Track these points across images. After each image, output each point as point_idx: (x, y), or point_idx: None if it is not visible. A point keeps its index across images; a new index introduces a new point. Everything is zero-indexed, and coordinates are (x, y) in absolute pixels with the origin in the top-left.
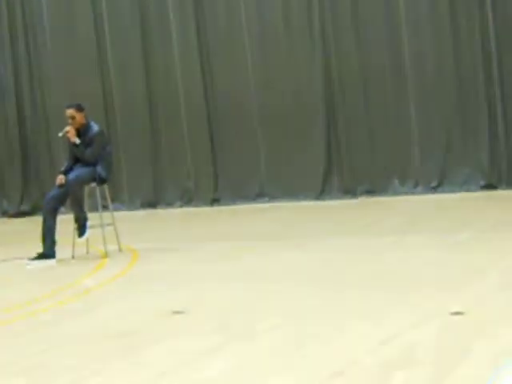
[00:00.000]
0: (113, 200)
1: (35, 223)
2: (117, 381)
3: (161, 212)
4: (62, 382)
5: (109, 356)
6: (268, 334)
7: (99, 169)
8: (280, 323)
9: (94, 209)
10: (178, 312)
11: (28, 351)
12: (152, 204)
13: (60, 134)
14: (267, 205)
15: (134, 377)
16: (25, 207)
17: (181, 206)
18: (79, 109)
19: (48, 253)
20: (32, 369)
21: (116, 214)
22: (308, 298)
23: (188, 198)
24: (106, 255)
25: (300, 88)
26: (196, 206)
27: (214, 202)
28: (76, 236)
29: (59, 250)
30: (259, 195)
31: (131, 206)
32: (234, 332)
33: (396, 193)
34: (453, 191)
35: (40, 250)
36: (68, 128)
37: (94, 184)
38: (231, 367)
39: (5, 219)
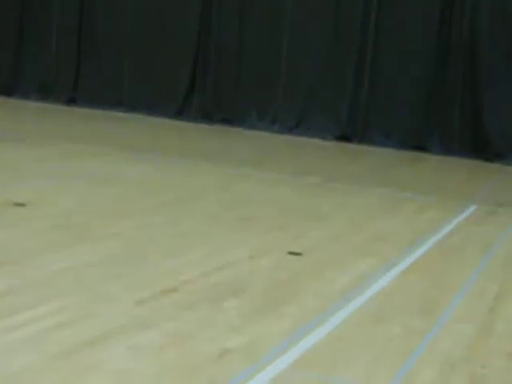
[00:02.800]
0: None
1: None
2: None
3: (16, 102)
4: None
5: None
6: (107, 240)
7: None
8: (120, 232)
9: None
10: (19, 204)
11: None
12: (7, 92)
13: None
14: (124, 114)
15: None
16: None
17: (36, 100)
18: None
19: None
20: None
21: None
22: (152, 212)
23: (45, 93)
24: None
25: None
26: (52, 102)
27: (71, 101)
28: None
29: None
30: (118, 104)
31: None
32: (76, 232)
33: (253, 127)
34: (308, 136)
35: None
36: None
37: None
38: (69, 267)
39: None
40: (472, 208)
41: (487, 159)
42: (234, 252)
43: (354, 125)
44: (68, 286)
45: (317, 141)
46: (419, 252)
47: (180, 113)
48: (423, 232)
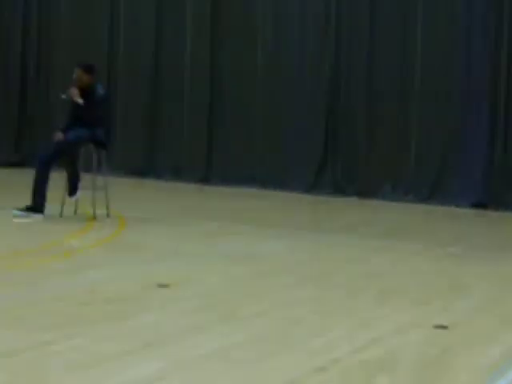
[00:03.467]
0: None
1: (25, 175)
2: (101, 345)
3: (149, 182)
4: (39, 338)
5: (93, 320)
6: (254, 319)
7: (99, 132)
8: (266, 310)
9: (88, 170)
10: (163, 285)
11: (10, 304)
12: (141, 173)
13: (63, 96)
14: (257, 191)
15: (119, 345)
16: (15, 158)
17: (169, 180)
18: (87, 70)
19: (37, 207)
20: (13, 322)
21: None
22: (295, 290)
23: (178, 173)
24: (93, 218)
25: (305, 85)
26: (185, 181)
27: (204, 180)
28: (66, 195)
29: (47, 206)
30: (250, 180)
31: (121, 172)
32: (221, 312)
33: (386, 198)
34: (443, 204)
35: (29, 202)
36: (72, 89)
37: (91, 146)
38: (217, 348)
39: None
40: None
41: None
42: (381, 327)
43: (490, 190)
44: (217, 367)
45: (453, 209)
46: None
47: (313, 186)
48: None
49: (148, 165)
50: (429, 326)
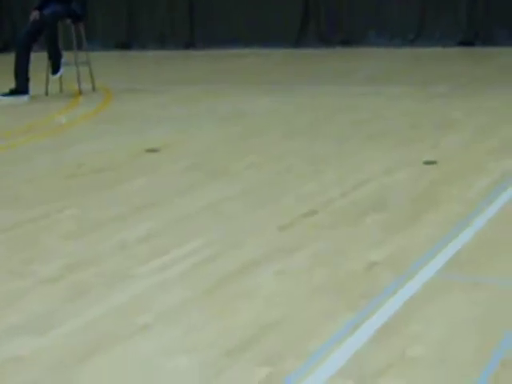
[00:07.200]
0: (86, 39)
1: (7, 60)
2: (93, 213)
3: (134, 54)
4: (35, 213)
5: (84, 190)
6: (244, 171)
7: (74, 5)
8: (256, 162)
9: (69, 47)
10: (152, 150)
11: (4, 183)
12: (125, 45)
13: None
14: (242, 51)
15: (110, 210)
16: None
17: (155, 49)
18: None
19: (21, 89)
20: (8, 200)
21: (89, 53)
22: (284, 141)
23: (162, 41)
24: (79, 93)
25: None
26: (170, 49)
27: (189, 45)
28: (50, 73)
29: (32, 87)
30: (235, 41)
31: (104, 46)
32: (210, 170)
33: (372, 44)
34: (429, 45)
35: (13, 86)
36: None
37: (68, 21)
38: (207, 205)
39: None
40: None
41: None
42: (371, 168)
43: (475, 26)
44: (209, 221)
45: (439, 49)
46: None
47: (298, 41)
48: None
49: (131, 36)
50: (418, 163)
